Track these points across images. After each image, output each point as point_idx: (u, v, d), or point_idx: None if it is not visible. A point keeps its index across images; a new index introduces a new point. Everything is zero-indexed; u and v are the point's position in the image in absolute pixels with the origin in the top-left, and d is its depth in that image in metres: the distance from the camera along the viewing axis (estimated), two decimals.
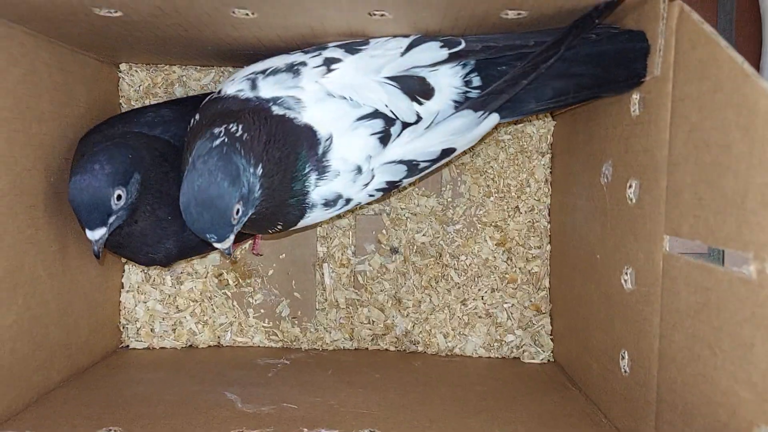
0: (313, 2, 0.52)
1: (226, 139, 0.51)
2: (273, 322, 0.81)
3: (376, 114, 0.58)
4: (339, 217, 0.80)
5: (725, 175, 0.40)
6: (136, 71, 0.80)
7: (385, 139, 0.59)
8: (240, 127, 0.53)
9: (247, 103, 0.57)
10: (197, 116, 0.59)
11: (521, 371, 0.74)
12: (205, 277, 0.81)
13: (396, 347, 0.80)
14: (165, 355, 0.77)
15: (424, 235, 0.81)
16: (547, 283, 0.80)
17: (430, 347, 0.79)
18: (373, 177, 0.60)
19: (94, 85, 0.73)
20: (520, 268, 0.80)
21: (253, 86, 0.58)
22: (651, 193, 0.50)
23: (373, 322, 0.80)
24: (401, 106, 0.59)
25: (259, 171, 0.53)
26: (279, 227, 0.60)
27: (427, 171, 0.62)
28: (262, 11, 0.54)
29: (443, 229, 0.81)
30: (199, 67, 0.80)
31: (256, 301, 0.81)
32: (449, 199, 0.81)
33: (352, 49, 0.60)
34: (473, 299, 0.80)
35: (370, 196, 0.61)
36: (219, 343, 0.80)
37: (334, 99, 0.58)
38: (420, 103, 0.59)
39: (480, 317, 0.80)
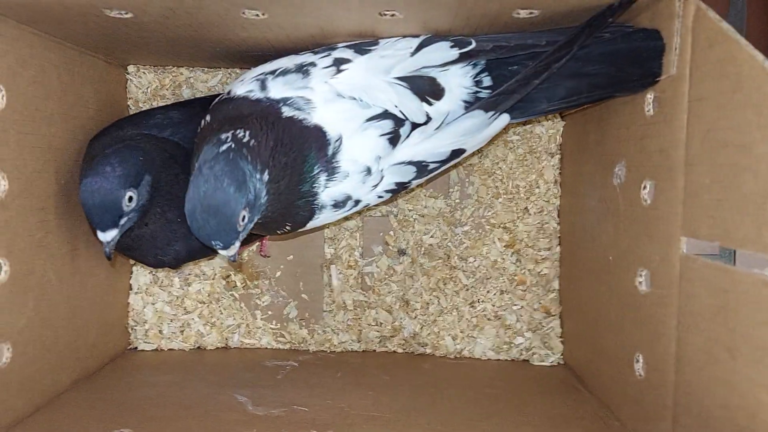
0: (324, 2, 0.51)
1: (233, 145, 0.51)
2: (280, 324, 0.81)
3: (385, 115, 0.58)
4: (346, 218, 0.80)
5: (744, 175, 0.39)
6: (144, 73, 0.80)
7: (394, 140, 0.59)
8: (247, 132, 0.52)
9: (258, 104, 0.56)
10: (208, 117, 0.59)
11: (531, 374, 0.74)
12: (213, 279, 0.80)
13: (404, 349, 0.79)
14: (173, 356, 0.77)
15: (431, 236, 0.80)
16: (557, 285, 0.79)
17: (438, 349, 0.79)
18: (382, 178, 0.59)
19: (102, 87, 0.72)
20: (529, 270, 0.80)
21: (263, 87, 0.58)
22: (666, 194, 0.50)
23: (381, 324, 0.80)
24: (411, 106, 0.58)
25: (266, 177, 0.52)
26: (287, 228, 0.60)
27: (436, 172, 0.62)
28: (272, 12, 0.53)
29: (451, 230, 0.80)
30: (206, 69, 0.80)
31: (263, 302, 0.81)
32: (457, 201, 0.81)
33: (361, 49, 0.60)
34: (482, 301, 0.80)
35: (379, 197, 0.61)
36: (227, 344, 0.80)
37: (343, 99, 0.57)
38: (430, 104, 0.59)
39: (489, 319, 0.79)
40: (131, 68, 0.79)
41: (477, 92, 0.60)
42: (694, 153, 0.46)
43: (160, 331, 0.79)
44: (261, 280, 0.81)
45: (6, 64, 0.54)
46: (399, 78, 0.58)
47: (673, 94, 0.50)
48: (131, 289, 0.79)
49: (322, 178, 0.57)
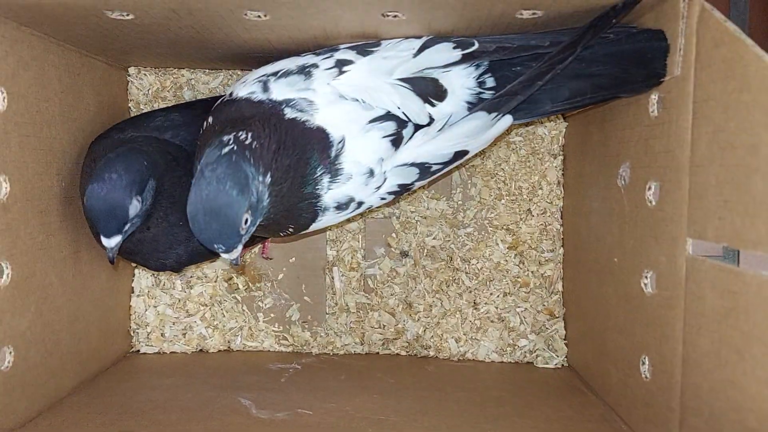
0: (328, 3, 0.51)
1: (235, 147, 0.51)
2: (283, 327, 0.81)
3: (388, 116, 0.58)
4: (349, 220, 0.79)
5: (752, 176, 0.39)
6: (145, 74, 0.79)
7: (397, 141, 0.58)
8: (249, 135, 0.52)
9: (260, 106, 0.56)
10: (210, 119, 0.58)
11: (535, 376, 0.73)
12: (215, 281, 0.80)
13: (407, 352, 0.79)
14: (176, 359, 0.76)
15: (434, 238, 0.80)
16: (561, 287, 0.79)
17: (441, 352, 0.79)
18: (385, 180, 0.59)
19: (103, 89, 0.72)
20: (532, 272, 0.79)
21: (265, 88, 0.57)
22: (672, 195, 0.50)
23: (384, 326, 0.80)
24: (413, 108, 0.58)
25: (268, 179, 0.52)
26: (290, 231, 0.59)
27: (439, 174, 0.62)
28: (275, 13, 0.53)
29: (454, 232, 0.80)
30: (208, 71, 0.80)
31: (266, 305, 0.81)
32: (460, 202, 0.81)
33: (363, 50, 0.59)
34: (485, 303, 0.79)
35: (382, 199, 0.61)
36: (229, 347, 0.80)
37: (346, 101, 0.57)
38: (433, 105, 0.59)
39: (492, 321, 0.79)
40: (132, 70, 0.79)
41: (480, 93, 0.60)
42: (701, 154, 0.46)
43: (163, 334, 0.79)
44: (263, 282, 0.81)
45: (7, 66, 0.54)
46: (401, 79, 0.58)
47: (678, 94, 0.49)
48: (133, 291, 0.79)
49: (325, 180, 0.56)
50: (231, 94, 0.59)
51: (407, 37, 0.60)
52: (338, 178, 0.57)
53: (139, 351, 0.78)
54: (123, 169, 0.55)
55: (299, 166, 0.55)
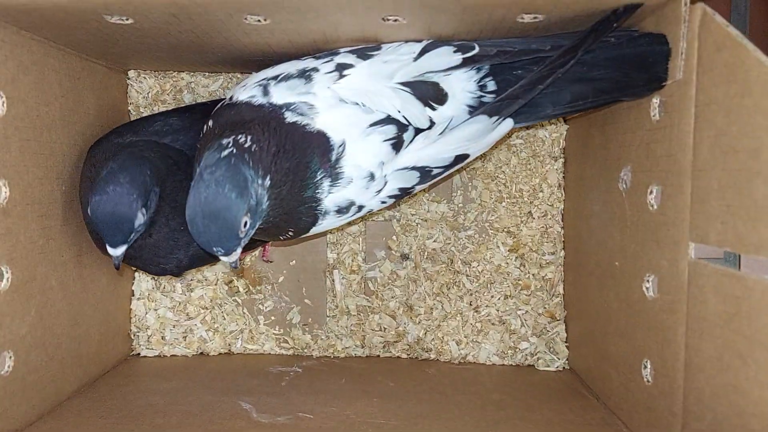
0: (328, 7, 0.51)
1: (235, 150, 0.51)
2: (284, 329, 0.81)
3: (388, 120, 0.58)
4: (349, 223, 0.79)
5: (755, 180, 0.39)
6: (145, 78, 0.79)
7: (397, 145, 0.58)
8: (249, 138, 0.52)
9: (260, 110, 0.56)
10: (210, 123, 0.58)
11: (536, 379, 0.73)
12: (216, 284, 0.80)
13: (408, 354, 0.79)
14: (176, 363, 0.76)
15: (435, 241, 0.80)
16: (562, 290, 0.79)
17: (442, 354, 0.79)
18: (385, 183, 0.59)
19: (102, 93, 0.72)
20: (533, 275, 0.79)
21: (265, 92, 0.57)
22: (674, 199, 0.49)
23: (385, 329, 0.79)
24: (414, 111, 0.58)
25: (268, 182, 0.52)
26: (290, 234, 0.59)
27: (439, 177, 0.62)
28: (275, 18, 0.53)
29: (454, 235, 0.80)
30: (207, 74, 0.80)
31: (266, 308, 0.81)
32: (460, 205, 0.81)
33: (364, 54, 0.59)
34: (486, 306, 0.79)
35: (383, 202, 0.61)
36: (230, 350, 0.80)
37: (346, 105, 0.57)
38: (433, 109, 0.59)
39: (493, 324, 0.79)
40: (132, 73, 0.79)
41: (481, 97, 0.59)
42: (703, 158, 0.46)
43: (163, 337, 0.79)
44: (263, 285, 0.81)
45: (7, 70, 0.54)
46: (402, 83, 0.58)
47: (680, 98, 0.49)
48: (133, 295, 0.79)
49: (326, 183, 0.56)
50: (231, 98, 0.59)
51: (408, 41, 0.60)
52: (339, 181, 0.57)
53: (139, 354, 0.78)
54: (128, 182, 0.55)
55: (299, 170, 0.54)
